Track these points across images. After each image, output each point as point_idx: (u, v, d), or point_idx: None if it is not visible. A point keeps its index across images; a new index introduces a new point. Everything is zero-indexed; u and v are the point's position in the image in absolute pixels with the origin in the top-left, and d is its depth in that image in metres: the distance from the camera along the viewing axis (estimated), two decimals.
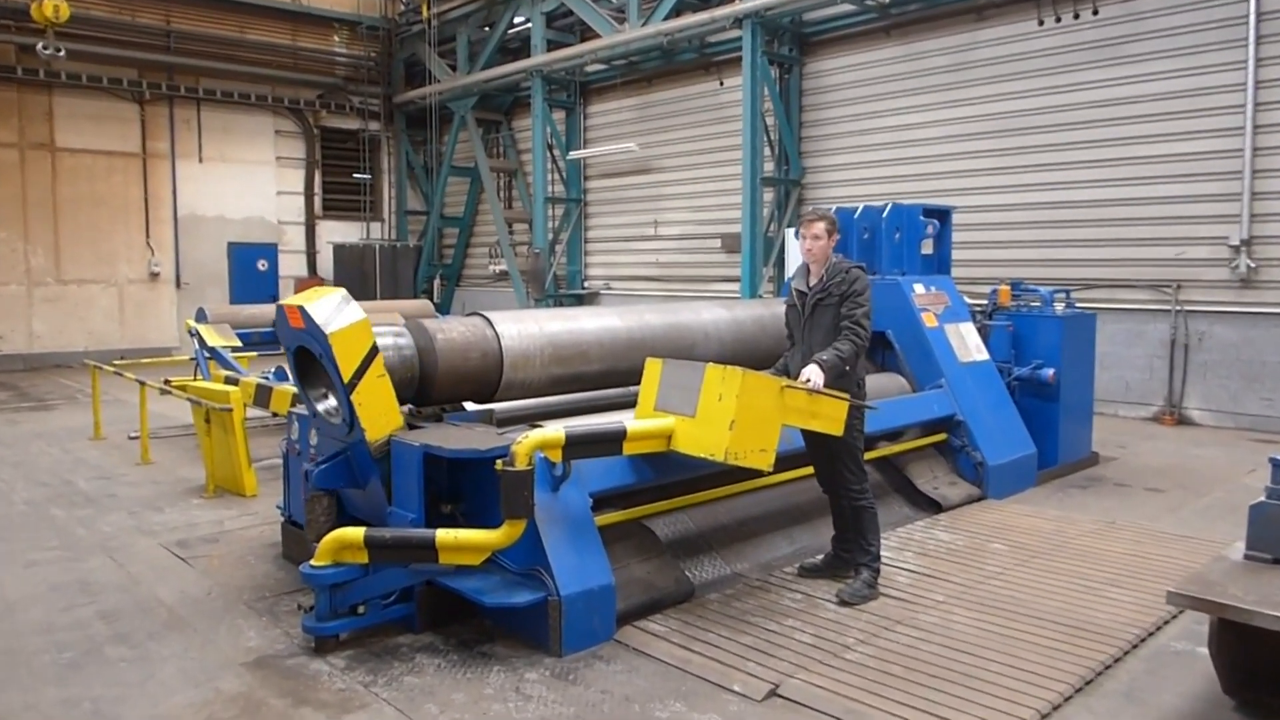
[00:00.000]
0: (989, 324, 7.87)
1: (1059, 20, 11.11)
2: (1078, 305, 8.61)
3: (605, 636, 4.47)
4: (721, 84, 15.11)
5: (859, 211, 7.68)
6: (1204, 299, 10.23)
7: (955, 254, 8.68)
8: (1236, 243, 9.85)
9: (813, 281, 5.09)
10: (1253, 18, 9.62)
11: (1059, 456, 7.79)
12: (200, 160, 18.77)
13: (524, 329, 5.35)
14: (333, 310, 4.53)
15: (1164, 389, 10.55)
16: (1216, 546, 5.71)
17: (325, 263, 20.22)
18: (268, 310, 9.51)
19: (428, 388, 4.95)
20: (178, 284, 18.64)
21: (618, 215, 17.17)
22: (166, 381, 8.32)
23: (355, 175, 20.80)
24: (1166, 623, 4.66)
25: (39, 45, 15.21)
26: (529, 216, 18.11)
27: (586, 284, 17.80)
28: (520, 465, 4.05)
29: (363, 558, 4.30)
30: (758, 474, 5.05)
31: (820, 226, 5.02)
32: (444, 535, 4.15)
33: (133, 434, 9.42)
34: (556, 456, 4.38)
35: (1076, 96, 11.00)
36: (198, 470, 8.00)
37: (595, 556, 4.51)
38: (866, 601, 4.90)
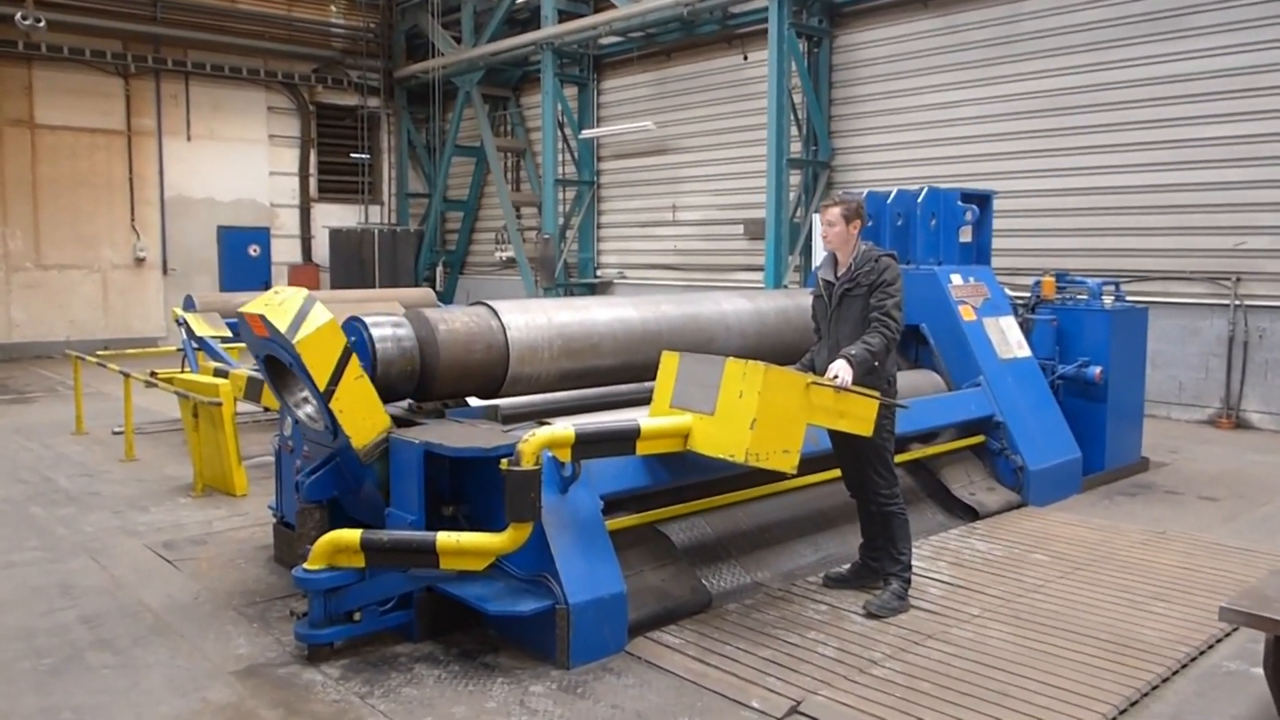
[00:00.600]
0: (1031, 318, 7.85)
1: None
2: (1128, 298, 8.58)
3: (616, 648, 4.49)
4: (745, 58, 15.09)
5: (892, 196, 7.67)
6: (1265, 293, 10.16)
7: (996, 242, 8.64)
8: None
9: (840, 271, 5.09)
10: None
11: (1106, 461, 7.76)
12: (188, 138, 18.91)
13: (532, 320, 5.37)
14: (296, 315, 4.46)
15: (1220, 390, 10.49)
16: (1275, 560, 5.71)
17: (321, 248, 20.34)
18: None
19: (429, 382, 4.98)
20: (164, 270, 18.80)
21: (633, 199, 17.18)
22: (152, 373, 8.41)
23: (353, 155, 20.89)
24: (1219, 641, 4.64)
25: (17, 15, 15.34)
26: (538, 200, 18.15)
27: (599, 272, 17.83)
28: (526, 465, 4.07)
29: (359, 562, 4.34)
30: (781, 476, 5.07)
31: (835, 212, 5.01)
32: (445, 539, 4.18)
33: (117, 429, 9.52)
34: (565, 456, 4.40)
35: (1127, 73, 10.92)
36: (185, 468, 8.08)
37: (606, 563, 4.54)
38: (896, 614, 4.90)
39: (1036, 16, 11.70)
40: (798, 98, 13.74)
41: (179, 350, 10.38)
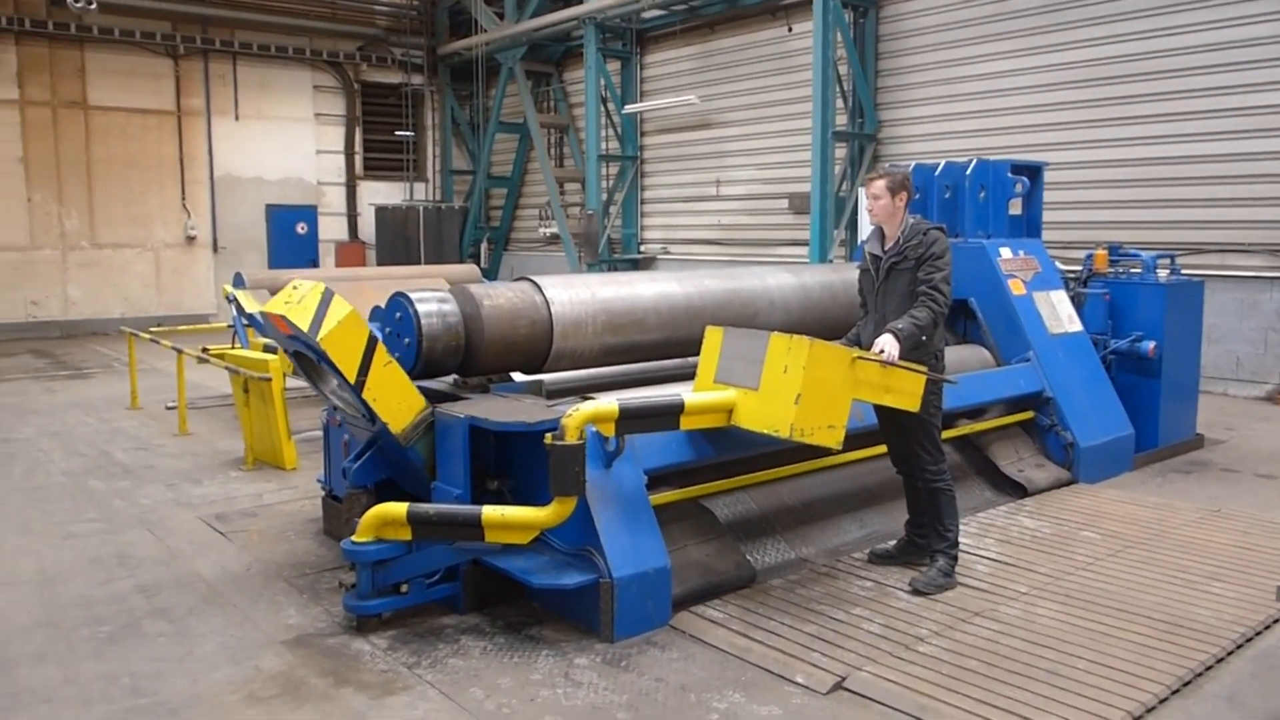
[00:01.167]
0: (1083, 292, 7.74)
1: None
2: (1183, 272, 8.40)
3: (660, 622, 4.51)
4: (790, 29, 14.91)
5: (940, 168, 7.58)
6: None
7: (1046, 215, 8.51)
8: None
9: (887, 244, 5.03)
10: None
11: (1159, 438, 7.65)
12: (236, 118, 19.14)
13: (575, 295, 5.37)
14: (316, 311, 4.45)
15: (1279, 366, 10.24)
16: None
17: (367, 225, 20.53)
18: (307, 276, 9.69)
19: (474, 357, 5.01)
20: (214, 248, 19.11)
21: (677, 174, 17.11)
22: (204, 350, 8.54)
23: (397, 133, 21.02)
24: (1276, 621, 4.55)
25: None
26: (581, 176, 18.15)
27: (643, 248, 17.80)
28: (571, 439, 4.08)
29: (406, 534, 4.39)
30: (826, 452, 5.02)
31: (880, 185, 4.96)
32: (490, 512, 4.21)
33: (170, 404, 9.72)
34: (609, 431, 4.41)
35: (1183, 39, 10.61)
36: (236, 442, 8.23)
37: (650, 537, 4.55)
38: (942, 591, 4.86)
39: None
40: (843, 69, 13.56)
41: (229, 327, 10.55)
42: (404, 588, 4.56)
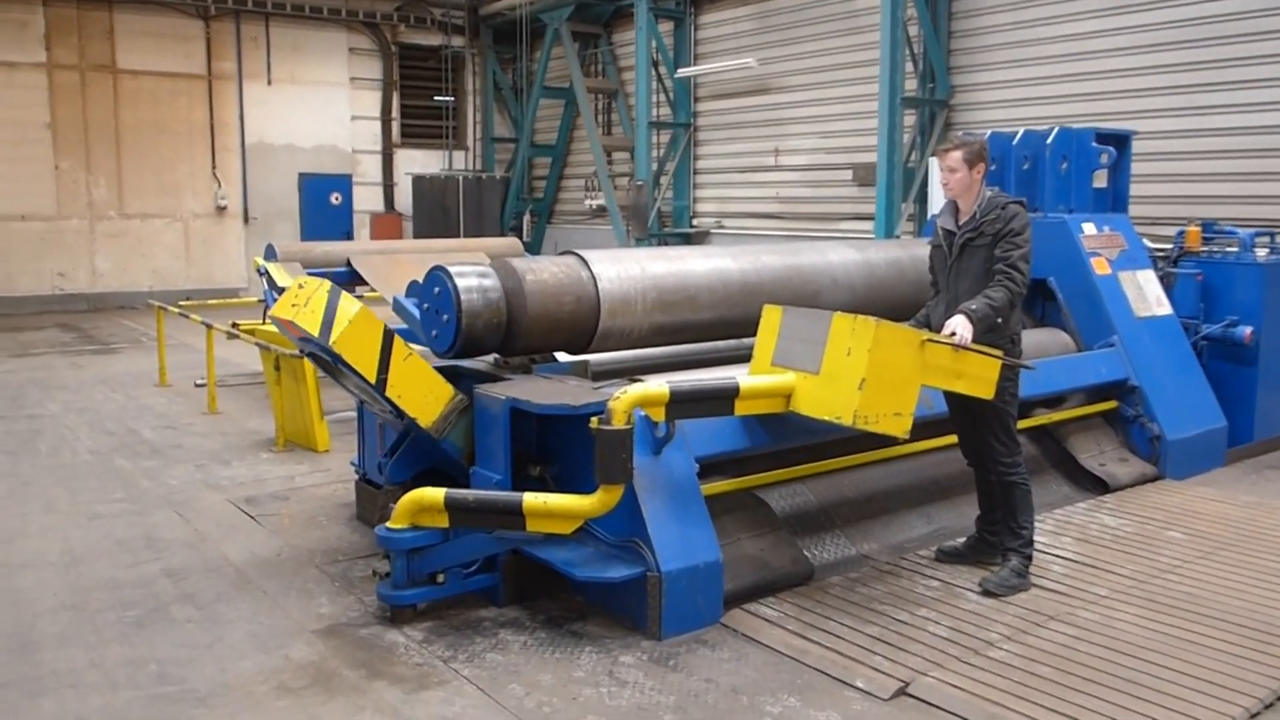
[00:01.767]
0: (1174, 272, 7.65)
1: None
2: None
3: (710, 619, 4.51)
4: None
5: (1018, 137, 7.51)
6: None
7: (1134, 188, 8.38)
8: None
9: (962, 219, 4.97)
10: None
11: (1254, 432, 7.55)
12: (269, 82, 19.34)
13: (624, 270, 5.37)
14: (325, 314, 4.47)
15: None
16: None
17: (404, 196, 20.66)
18: (341, 248, 9.78)
19: (516, 335, 5.02)
20: (245, 219, 19.36)
21: (732, 143, 17.01)
22: (234, 325, 8.68)
23: (436, 98, 21.11)
24: None
25: None
26: (630, 144, 18.10)
27: (695, 221, 17.74)
28: (618, 424, 4.08)
29: (443, 521, 4.43)
30: (891, 441, 5.01)
31: (956, 156, 4.88)
32: (532, 500, 4.23)
33: (199, 381, 9.90)
34: (659, 415, 4.40)
35: None
36: (267, 422, 8.37)
37: (701, 529, 4.54)
38: (1015, 593, 4.83)
39: None
40: (913, 30, 13.35)
41: (260, 301, 10.69)
42: (440, 577, 4.61)
